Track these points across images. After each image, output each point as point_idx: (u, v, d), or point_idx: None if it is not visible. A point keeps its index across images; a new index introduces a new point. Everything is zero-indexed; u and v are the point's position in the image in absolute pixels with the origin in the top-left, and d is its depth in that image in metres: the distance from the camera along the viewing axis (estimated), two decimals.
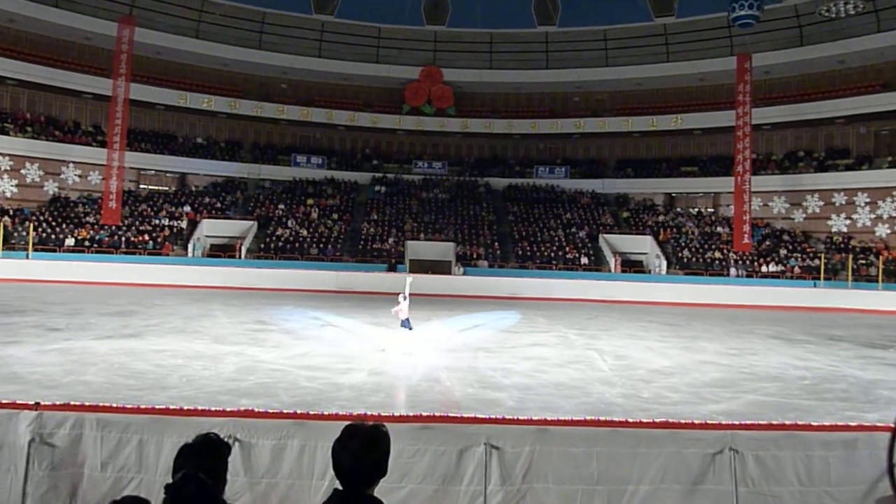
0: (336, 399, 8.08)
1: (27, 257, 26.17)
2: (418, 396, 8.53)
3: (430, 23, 36.29)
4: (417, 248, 30.45)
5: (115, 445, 4.18)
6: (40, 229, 28.00)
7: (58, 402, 4.61)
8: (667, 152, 37.68)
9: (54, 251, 27.28)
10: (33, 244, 26.84)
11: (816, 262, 29.09)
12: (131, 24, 28.48)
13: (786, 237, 32.19)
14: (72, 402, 4.74)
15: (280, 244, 30.47)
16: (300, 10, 35.27)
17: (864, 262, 28.98)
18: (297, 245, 30.56)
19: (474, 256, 30.85)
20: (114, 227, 28.86)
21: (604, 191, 37.03)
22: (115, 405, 4.62)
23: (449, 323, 17.00)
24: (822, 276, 28.15)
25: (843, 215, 32.13)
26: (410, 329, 11.93)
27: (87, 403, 4.77)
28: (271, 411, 4.69)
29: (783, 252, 30.73)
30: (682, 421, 4.72)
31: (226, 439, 4.07)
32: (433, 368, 10.56)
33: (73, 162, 32.08)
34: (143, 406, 4.65)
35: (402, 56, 36.71)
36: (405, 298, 11.98)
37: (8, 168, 30.47)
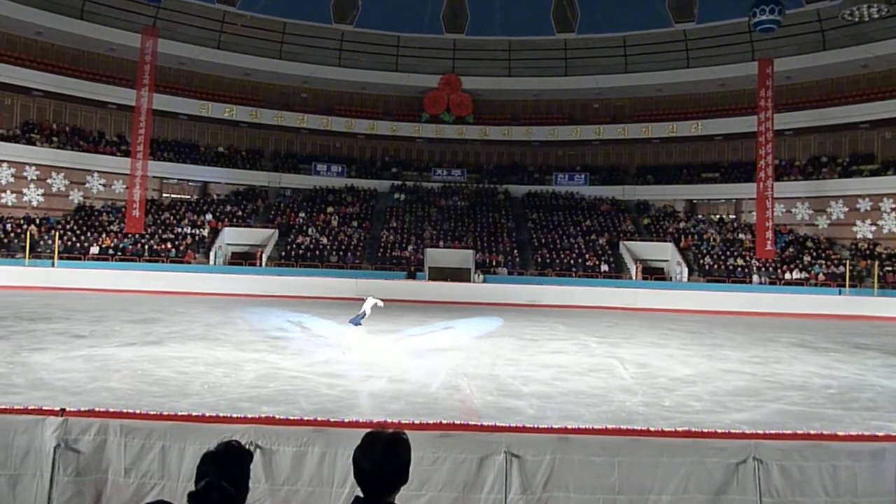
0: (356, 406, 8.11)
1: (53, 265, 26.61)
2: (438, 404, 8.52)
3: (449, 31, 36.42)
4: (437, 256, 30.48)
5: (138, 451, 4.22)
6: (65, 238, 28.47)
7: (83, 409, 4.67)
8: (687, 158, 37.39)
9: (79, 259, 27.72)
10: (59, 252, 27.28)
11: (841, 269, 28.63)
12: (154, 36, 28.94)
13: (809, 244, 31.73)
14: (96, 409, 4.80)
15: (300, 252, 30.68)
16: (320, 20, 35.60)
17: (890, 268, 28.46)
18: (317, 253, 30.75)
19: (494, 264, 30.80)
20: (137, 236, 29.27)
21: (624, 197, 36.81)
22: (138, 412, 4.68)
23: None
24: (847, 283, 27.69)
25: (868, 221, 31.62)
26: (357, 325, 14.11)
27: (111, 410, 4.83)
28: (292, 418, 4.72)
29: (807, 259, 30.29)
30: (705, 430, 4.66)
31: (247, 446, 4.11)
32: (452, 375, 10.55)
33: (98, 171, 32.63)
34: (165, 413, 4.70)
35: (421, 64, 36.89)
36: (370, 310, 14.34)
37: (34, 178, 31.06)
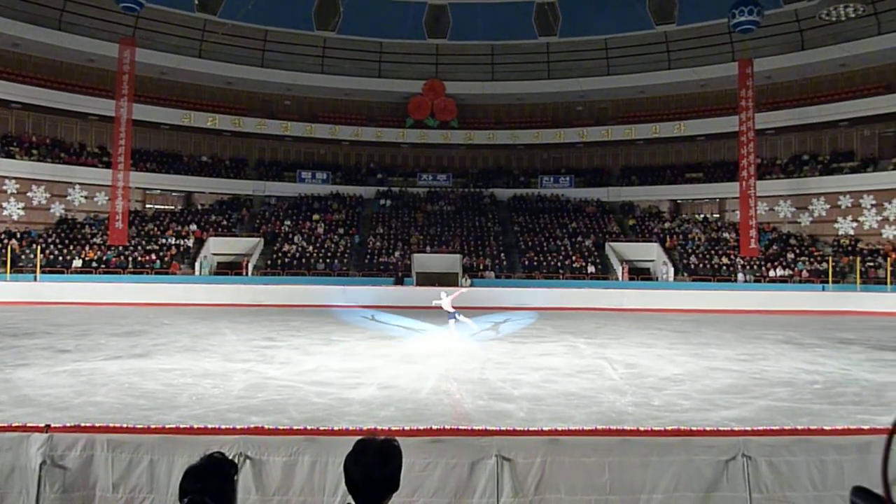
0: (346, 414, 8.07)
1: (35, 279, 26.32)
2: (428, 409, 8.50)
3: (432, 36, 36.51)
4: (424, 261, 30.47)
5: (126, 466, 4.18)
6: (48, 251, 28.17)
7: (68, 424, 4.62)
8: (671, 159, 37.69)
9: (62, 273, 27.43)
10: (41, 266, 27.00)
11: (824, 265, 28.96)
12: (131, 46, 28.75)
13: (793, 241, 32.07)
14: (82, 424, 4.75)
15: (287, 260, 30.55)
16: (302, 28, 35.57)
17: (872, 264, 28.82)
18: (303, 260, 30.63)
19: (481, 268, 30.84)
20: (121, 248, 29.02)
21: (609, 199, 37.02)
22: (125, 426, 4.63)
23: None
24: (830, 279, 28.01)
25: (849, 218, 32.02)
26: (456, 319, 15.45)
27: (97, 424, 4.78)
28: (281, 428, 4.69)
29: (791, 256, 30.60)
30: (694, 428, 4.69)
31: (236, 457, 4.08)
32: (442, 380, 10.54)
33: (80, 183, 32.33)
34: (153, 426, 4.66)
35: (405, 70, 36.93)
36: (447, 295, 15.67)
37: (14, 191, 30.73)
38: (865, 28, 29.84)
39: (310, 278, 29.03)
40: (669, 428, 4.80)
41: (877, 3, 29.21)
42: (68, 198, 32.26)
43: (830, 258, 29.15)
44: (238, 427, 4.79)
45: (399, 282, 28.86)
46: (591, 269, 30.88)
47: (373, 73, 36.99)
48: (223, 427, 4.73)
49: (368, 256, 31.45)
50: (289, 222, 33.78)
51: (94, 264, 28.43)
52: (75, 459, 4.17)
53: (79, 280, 26.42)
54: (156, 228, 31.86)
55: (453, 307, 15.94)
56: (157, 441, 4.26)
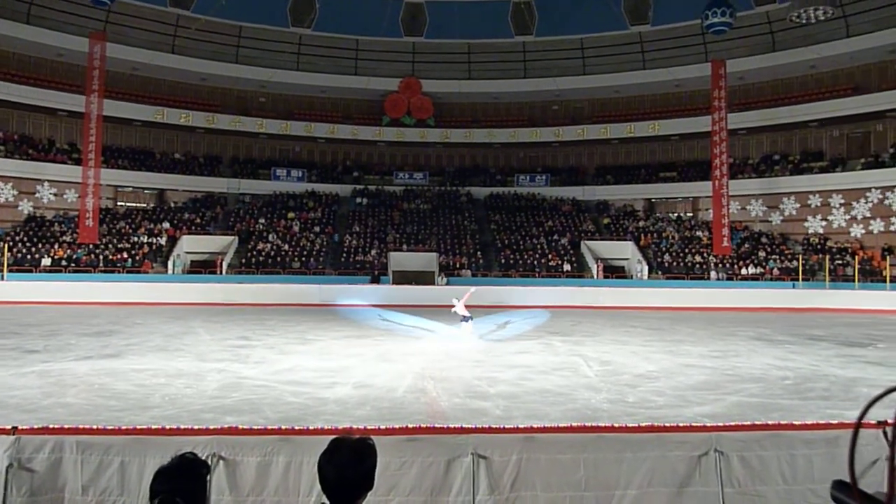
0: (322, 413, 8.02)
1: (2, 278, 25.75)
2: (404, 408, 8.48)
3: (409, 34, 36.43)
4: (400, 259, 30.40)
5: (96, 468, 4.10)
6: (15, 250, 27.58)
7: (36, 426, 4.52)
8: (645, 158, 38.08)
9: (30, 271, 26.88)
10: (8, 265, 26.42)
11: (795, 263, 29.49)
12: (102, 40, 28.24)
13: (764, 240, 32.60)
14: (51, 426, 4.66)
15: (261, 259, 30.27)
16: (277, 24, 35.24)
17: (840, 262, 29.42)
18: (278, 259, 30.38)
19: (457, 266, 30.86)
20: (91, 246, 28.52)
21: (584, 198, 37.29)
22: (95, 427, 4.55)
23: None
24: (800, 277, 28.53)
25: (818, 217, 32.64)
26: (468, 320, 15.83)
27: (66, 426, 4.69)
28: (256, 427, 4.64)
29: (762, 254, 31.11)
30: (668, 424, 4.74)
31: (209, 458, 4.03)
32: (419, 379, 10.53)
33: (49, 180, 31.68)
34: (124, 427, 4.58)
35: (381, 68, 36.79)
36: (458, 299, 16.10)
37: None
38: (834, 31, 30.42)
39: (285, 277, 28.83)
40: (643, 424, 4.85)
41: (845, 6, 29.81)
42: (37, 195, 31.60)
43: (800, 256, 29.69)
44: (211, 427, 4.73)
45: (375, 280, 28.76)
46: (566, 267, 31.08)
47: (349, 70, 36.79)
48: (196, 427, 4.68)
49: (344, 255, 31.30)
50: (263, 220, 33.48)
51: (64, 263, 27.90)
52: (43, 462, 4.09)
53: (48, 279, 25.91)
54: (127, 226, 31.36)
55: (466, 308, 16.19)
56: (127, 442, 4.19)
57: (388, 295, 26.77)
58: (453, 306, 16.16)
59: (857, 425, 1.51)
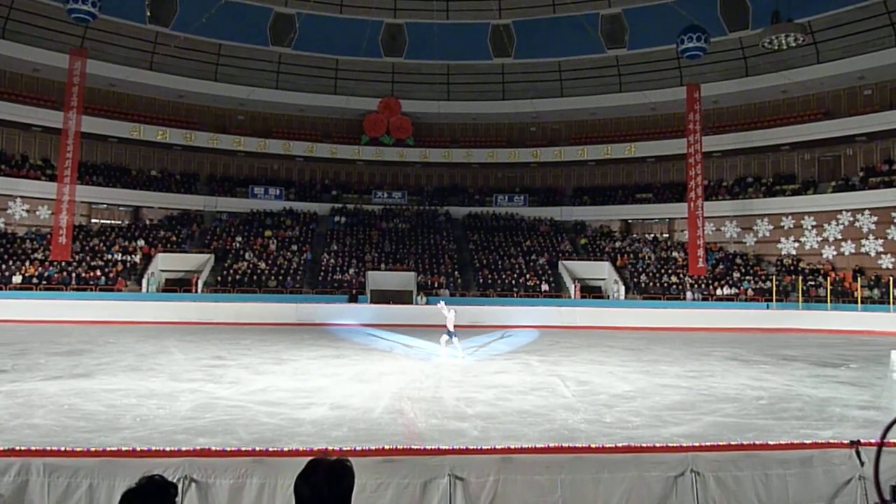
0: (297, 434, 7.91)
1: None
2: (381, 429, 8.40)
3: (388, 55, 36.66)
4: (378, 279, 30.29)
5: (63, 491, 4.00)
6: None
7: (2, 448, 4.40)
8: (622, 180, 38.54)
9: (0, 289, 26.30)
10: None
11: (768, 284, 29.90)
12: (82, 56, 28.01)
13: (738, 261, 33.05)
14: (17, 447, 4.53)
15: (238, 277, 29.97)
16: (257, 43, 35.26)
17: (812, 283, 29.90)
18: (255, 278, 30.10)
19: (436, 286, 30.82)
20: (64, 263, 28.02)
21: (562, 218, 37.57)
22: (63, 449, 4.44)
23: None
24: (774, 297, 28.92)
25: (791, 238, 33.21)
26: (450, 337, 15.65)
27: (33, 448, 4.57)
28: (229, 449, 4.56)
29: (736, 275, 31.52)
30: (644, 445, 4.75)
31: (180, 480, 3.95)
32: (396, 399, 10.45)
33: (21, 196, 31.16)
34: (93, 449, 4.48)
35: (361, 87, 36.92)
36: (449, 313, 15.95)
37: None
38: (805, 57, 31.23)
39: (261, 296, 28.55)
40: (620, 445, 4.86)
41: (816, 33, 30.63)
42: (8, 211, 31.04)
43: (774, 277, 30.13)
44: (183, 449, 4.64)
45: (353, 299, 28.60)
46: (544, 287, 31.19)
47: (328, 89, 36.86)
48: (168, 449, 4.58)
49: (322, 274, 31.10)
50: (240, 238, 33.19)
51: (35, 280, 27.36)
52: (9, 485, 3.98)
53: (18, 297, 25.38)
54: (101, 244, 30.88)
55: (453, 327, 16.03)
56: (96, 465, 4.09)
57: (377, 314, 26.72)
58: (447, 327, 15.95)
59: (881, 444, 1.55)
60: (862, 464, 4.30)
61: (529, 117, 38.18)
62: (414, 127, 37.62)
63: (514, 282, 31.38)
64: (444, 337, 15.78)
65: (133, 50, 33.09)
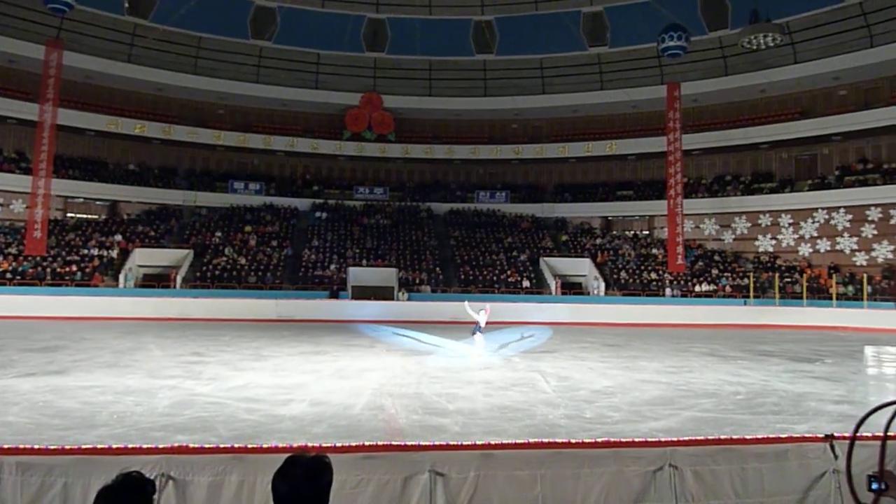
0: (276, 431, 7.86)
1: None
2: (361, 425, 8.38)
3: (370, 50, 36.50)
4: (360, 275, 30.18)
5: (37, 490, 3.92)
6: None
7: None
8: (603, 177, 38.76)
9: None
10: None
11: (746, 281, 30.27)
12: (59, 48, 27.54)
13: (717, 258, 33.42)
14: None
15: (217, 273, 29.69)
16: (237, 36, 34.92)
17: (789, 280, 30.32)
18: (234, 273, 29.85)
19: (417, 282, 30.79)
20: (38, 258, 27.56)
21: (543, 215, 37.71)
22: (37, 446, 4.36)
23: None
24: (751, 294, 29.29)
25: (769, 236, 33.65)
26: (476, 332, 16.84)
27: (5, 446, 4.48)
28: (207, 446, 4.51)
29: (715, 272, 31.87)
30: (624, 439, 4.78)
31: (157, 478, 3.90)
32: (377, 396, 10.43)
33: None
34: (68, 446, 4.40)
35: (342, 82, 36.73)
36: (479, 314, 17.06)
37: None
38: (783, 57, 31.62)
39: (241, 291, 28.31)
40: (600, 440, 4.88)
41: (793, 34, 31.02)
42: None
43: (751, 274, 30.51)
44: (161, 446, 4.58)
45: (334, 295, 28.49)
46: (525, 283, 31.29)
47: (310, 84, 36.61)
48: (145, 446, 4.52)
49: (303, 269, 30.93)
50: (220, 234, 32.89)
51: (9, 276, 26.89)
52: None
53: None
54: (77, 238, 30.42)
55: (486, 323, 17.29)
56: (71, 462, 4.02)
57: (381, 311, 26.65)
58: (475, 322, 17.18)
59: (853, 438, 1.56)
60: (836, 457, 4.37)
61: (511, 114, 38.24)
62: (396, 123, 37.52)
63: (495, 278, 31.45)
64: (477, 335, 16.94)
65: (111, 42, 32.60)
